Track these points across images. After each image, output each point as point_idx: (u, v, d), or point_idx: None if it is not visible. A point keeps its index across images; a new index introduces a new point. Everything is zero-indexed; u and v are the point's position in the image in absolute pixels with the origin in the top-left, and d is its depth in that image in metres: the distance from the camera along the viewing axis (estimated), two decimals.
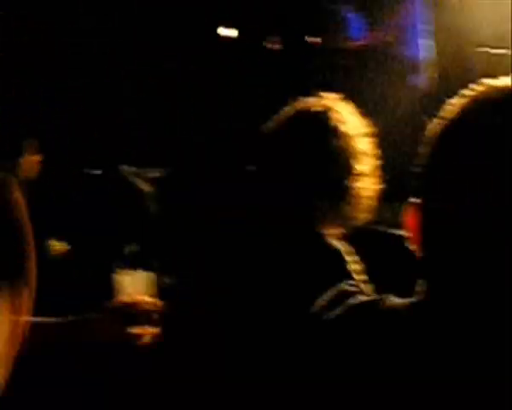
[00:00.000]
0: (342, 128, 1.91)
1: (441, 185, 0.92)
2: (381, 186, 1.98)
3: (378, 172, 1.98)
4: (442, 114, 0.99)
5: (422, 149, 1.00)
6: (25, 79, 5.48)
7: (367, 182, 1.93)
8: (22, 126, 4.09)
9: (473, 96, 0.94)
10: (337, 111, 1.94)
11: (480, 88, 0.96)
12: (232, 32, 6.98)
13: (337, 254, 1.71)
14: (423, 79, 5.84)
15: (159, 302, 1.74)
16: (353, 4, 6.32)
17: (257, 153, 1.97)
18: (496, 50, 5.59)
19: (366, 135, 1.99)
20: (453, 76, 6.03)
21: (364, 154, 1.93)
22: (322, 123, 1.90)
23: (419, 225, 0.95)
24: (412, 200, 0.98)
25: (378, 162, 1.98)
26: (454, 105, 0.97)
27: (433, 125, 1.00)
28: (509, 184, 0.81)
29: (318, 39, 5.91)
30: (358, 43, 6.04)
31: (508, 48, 5.54)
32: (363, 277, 1.72)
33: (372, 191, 1.96)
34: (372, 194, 1.97)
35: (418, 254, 0.98)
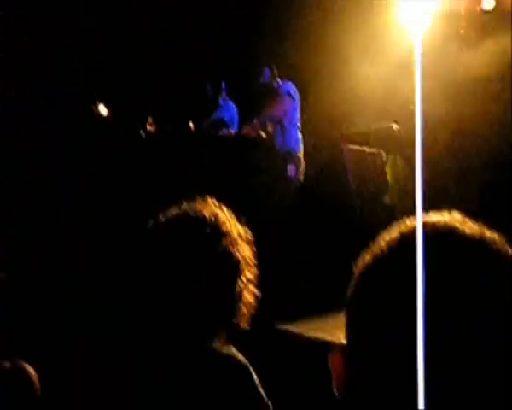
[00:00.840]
0: (231, 234, 1.85)
1: (363, 325, 0.87)
2: (260, 294, 1.93)
3: (258, 280, 1.93)
4: (370, 249, 0.95)
5: (350, 283, 0.95)
6: None
7: (252, 288, 1.89)
8: None
9: (401, 233, 0.91)
10: (223, 216, 1.89)
11: (406, 227, 0.92)
12: (104, 111, 6.92)
13: (244, 371, 1.64)
14: (297, 170, 6.02)
15: None
16: (232, 94, 6.47)
17: (137, 260, 1.85)
18: (368, 149, 5.89)
19: (248, 241, 1.93)
20: (325, 169, 6.28)
21: (250, 260, 1.88)
22: (211, 229, 1.83)
23: (343, 368, 0.89)
24: (338, 342, 0.93)
25: (257, 270, 1.94)
26: (381, 241, 0.93)
27: (361, 259, 0.95)
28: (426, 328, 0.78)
29: (191, 125, 5.96)
30: (234, 131, 6.15)
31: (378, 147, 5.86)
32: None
33: (255, 298, 1.91)
34: (254, 301, 1.91)
35: (339, 395, 0.91)
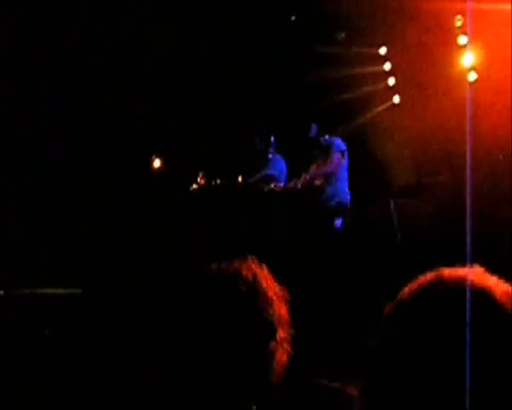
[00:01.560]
0: (267, 294, 1.90)
1: (386, 370, 0.93)
2: (293, 352, 1.97)
3: (292, 339, 1.97)
4: (397, 297, 1.02)
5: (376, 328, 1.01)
6: None
7: (285, 348, 1.92)
8: None
9: (422, 283, 0.97)
10: (261, 275, 1.95)
11: (430, 277, 0.98)
12: (158, 163, 7.17)
13: None
14: (344, 223, 6.08)
15: None
16: (280, 148, 6.61)
17: (171, 316, 1.93)
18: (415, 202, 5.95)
19: (284, 299, 1.99)
20: (372, 222, 6.33)
21: (284, 319, 1.93)
22: (247, 288, 1.89)
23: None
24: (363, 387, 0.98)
25: (291, 329, 1.98)
26: (406, 290, 0.99)
27: (388, 307, 1.01)
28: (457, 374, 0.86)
29: (240, 180, 6.10)
30: (283, 185, 6.26)
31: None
32: None
33: (288, 357, 1.95)
34: (287, 359, 1.95)
35: None
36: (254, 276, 1.90)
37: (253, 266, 1.97)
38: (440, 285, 0.97)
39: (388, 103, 6.86)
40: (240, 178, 6.20)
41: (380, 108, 6.89)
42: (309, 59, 7.23)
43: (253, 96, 7.36)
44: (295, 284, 2.05)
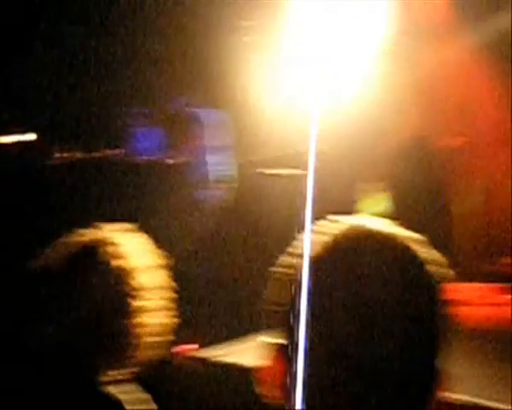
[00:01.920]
0: (116, 263, 1.80)
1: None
2: (172, 319, 1.90)
3: (167, 306, 1.90)
4: (297, 250, 0.97)
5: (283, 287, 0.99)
6: None
7: (150, 317, 1.84)
8: None
9: (334, 235, 0.95)
10: (114, 244, 1.84)
11: (340, 227, 0.97)
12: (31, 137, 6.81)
13: (117, 405, 1.61)
14: (216, 195, 6.10)
15: None
16: (149, 122, 6.49)
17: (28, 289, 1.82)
18: (272, 171, 6.05)
19: (152, 267, 1.91)
20: (242, 193, 6.39)
21: (147, 288, 1.84)
22: (93, 259, 1.79)
23: (281, 368, 0.91)
24: (275, 341, 0.95)
25: (168, 295, 1.91)
26: (315, 243, 0.94)
27: (286, 260, 0.99)
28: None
29: (116, 151, 5.97)
30: (151, 158, 6.17)
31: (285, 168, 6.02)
32: None
33: (158, 326, 1.87)
34: (159, 329, 1.88)
35: (270, 398, 0.94)
36: (103, 245, 1.80)
37: (107, 233, 1.87)
38: (357, 237, 0.98)
39: (252, 75, 6.90)
40: (104, 153, 6.05)
41: (243, 79, 6.91)
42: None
43: (115, 69, 7.16)
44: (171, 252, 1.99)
